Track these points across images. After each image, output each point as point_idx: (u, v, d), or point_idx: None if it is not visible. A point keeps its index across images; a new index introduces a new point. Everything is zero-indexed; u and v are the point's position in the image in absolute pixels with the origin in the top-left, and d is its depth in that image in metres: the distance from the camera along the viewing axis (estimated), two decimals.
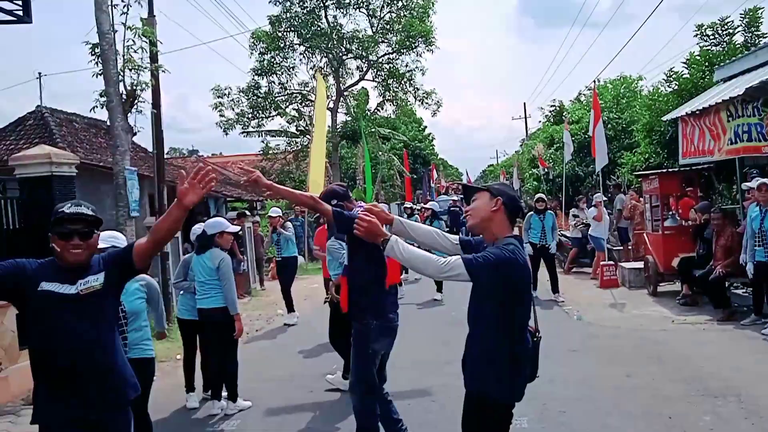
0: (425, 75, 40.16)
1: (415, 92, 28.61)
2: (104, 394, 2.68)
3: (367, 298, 4.05)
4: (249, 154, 34.01)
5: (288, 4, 26.49)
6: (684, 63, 12.39)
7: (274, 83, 28.03)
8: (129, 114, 8.32)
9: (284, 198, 4.32)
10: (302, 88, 28.61)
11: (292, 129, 29.14)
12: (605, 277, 11.32)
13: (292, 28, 26.81)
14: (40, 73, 25.59)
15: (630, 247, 13.14)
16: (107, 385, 2.69)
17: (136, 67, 8.41)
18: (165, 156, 13.05)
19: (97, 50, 8.12)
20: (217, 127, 27.92)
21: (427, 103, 28.69)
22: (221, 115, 27.77)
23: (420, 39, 27.42)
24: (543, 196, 11.06)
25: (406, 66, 28.41)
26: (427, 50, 27.85)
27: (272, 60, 27.20)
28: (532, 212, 10.75)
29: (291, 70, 28.05)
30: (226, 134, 28.19)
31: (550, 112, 25.46)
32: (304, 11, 26.64)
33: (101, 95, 8.37)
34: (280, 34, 26.85)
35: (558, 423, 4.72)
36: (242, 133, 28.64)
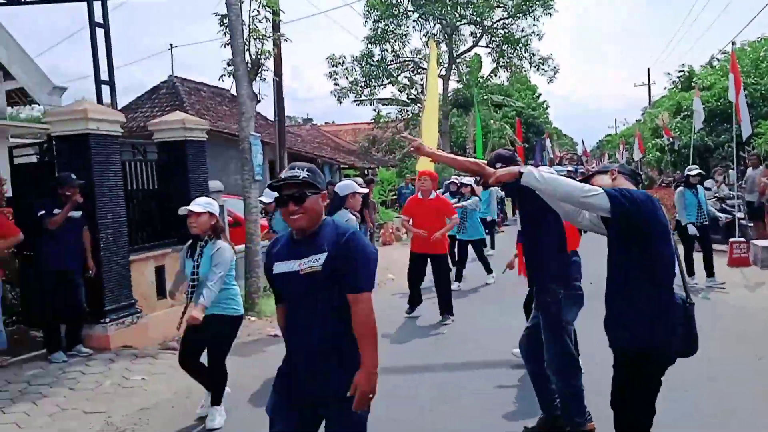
0: (542, 40, 38.58)
1: (530, 58, 27.75)
2: None
3: (550, 267, 3.83)
4: (361, 122, 34.58)
5: None
6: None
7: (387, 51, 28.18)
8: (253, 82, 8.70)
9: (447, 164, 4.32)
10: (414, 56, 28.58)
11: (404, 97, 29.26)
12: (735, 254, 10.57)
13: None
14: (171, 45, 27.26)
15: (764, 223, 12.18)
16: None
17: (261, 37, 8.75)
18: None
19: (225, 21, 8.53)
20: (331, 95, 28.60)
21: (543, 69, 27.80)
22: (335, 84, 28.38)
23: (537, 2, 26.44)
24: (697, 168, 9.42)
25: (522, 31, 27.59)
26: (545, 14, 26.86)
27: (386, 28, 27.29)
28: (683, 187, 9.23)
29: (404, 37, 28.08)
30: (340, 103, 28.83)
31: (678, 78, 23.76)
32: None
33: (228, 64, 8.81)
34: (393, 1, 26.83)
35: (681, 403, 4.54)
36: (355, 101, 29.14)
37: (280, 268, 2.61)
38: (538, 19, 26.92)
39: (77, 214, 6.24)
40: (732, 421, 4.27)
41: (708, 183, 13.11)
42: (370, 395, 2.48)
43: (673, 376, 3.49)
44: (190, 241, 4.61)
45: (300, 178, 2.55)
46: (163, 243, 7.68)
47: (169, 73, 19.00)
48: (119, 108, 10.62)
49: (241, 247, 9.13)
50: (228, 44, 8.61)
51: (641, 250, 2.78)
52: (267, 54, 8.87)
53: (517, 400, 4.80)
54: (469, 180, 10.38)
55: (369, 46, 27.88)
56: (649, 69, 44.34)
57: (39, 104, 18.13)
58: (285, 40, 9.41)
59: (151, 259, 7.44)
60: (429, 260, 7.68)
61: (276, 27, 9.24)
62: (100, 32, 7.16)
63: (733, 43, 15.53)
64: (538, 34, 27.41)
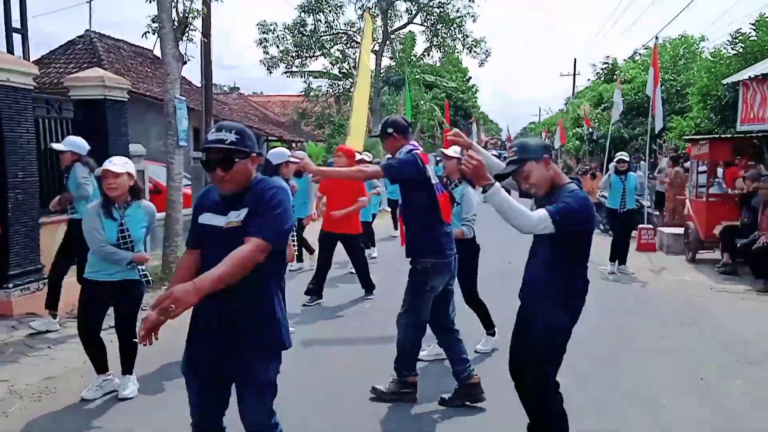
0: (476, 22, 39.00)
1: (464, 39, 27.96)
2: None
3: (426, 237, 4.11)
4: (290, 94, 33.92)
5: None
6: (752, 24, 11.79)
7: (321, 22, 27.69)
8: (180, 42, 8.33)
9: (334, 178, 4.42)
10: (348, 28, 28.22)
11: (335, 71, 28.91)
12: (643, 240, 11.19)
13: None
14: None
15: (665, 213, 12.98)
16: None
17: None
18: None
19: None
20: (260, 65, 27.88)
21: (476, 51, 28.07)
22: (265, 52, 27.66)
23: None
24: (626, 155, 9.70)
25: (458, 11, 27.71)
26: None
27: None
28: (611, 173, 9.49)
29: (339, 9, 27.65)
30: (270, 72, 28.15)
31: (602, 69, 24.66)
32: None
33: (153, 21, 8.39)
34: None
35: (588, 378, 4.76)
36: (285, 72, 28.53)
37: (206, 218, 2.57)
38: (473, 0, 27.13)
39: None
40: (639, 394, 4.52)
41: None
42: (172, 306, 2.18)
43: (580, 352, 3.65)
44: (99, 202, 4.25)
45: (227, 142, 2.45)
46: None
47: (86, 27, 17.76)
48: (31, 61, 9.92)
49: (162, 214, 8.81)
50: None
51: (571, 249, 3.04)
52: (195, 13, 8.50)
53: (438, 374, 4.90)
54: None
55: (302, 14, 27.31)
56: (575, 59, 45.71)
57: None
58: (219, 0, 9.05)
59: (63, 222, 7.04)
60: (340, 241, 7.35)
61: None
62: None
63: (656, 39, 16.23)
64: (472, 16, 27.65)
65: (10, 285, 6.10)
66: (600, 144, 19.89)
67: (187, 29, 8.44)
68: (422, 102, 29.96)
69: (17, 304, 6.13)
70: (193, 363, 2.61)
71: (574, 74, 44.15)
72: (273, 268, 2.58)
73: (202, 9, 8.71)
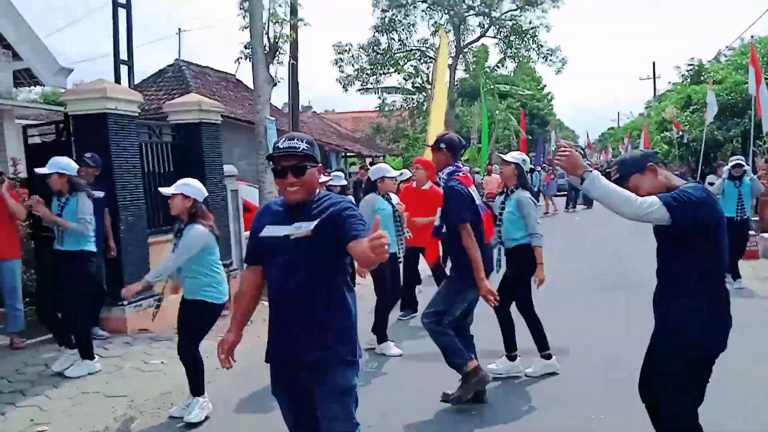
0: (550, 32, 38.38)
1: (538, 49, 27.55)
2: None
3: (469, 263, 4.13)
4: (361, 111, 34.32)
5: None
6: None
7: (394, 40, 28.00)
8: (270, 65, 8.59)
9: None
10: (421, 45, 28.41)
11: (408, 86, 29.11)
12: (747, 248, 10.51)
13: None
14: (180, 29, 27.05)
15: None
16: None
17: (280, 21, 8.63)
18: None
19: (244, 4, 8.40)
20: (328, 83, 28.46)
21: (551, 60, 27.59)
22: (341, 71, 28.19)
23: None
24: (742, 159, 8.90)
25: (530, 23, 27.39)
26: (554, 6, 26.69)
27: (393, 17, 27.11)
28: (724, 178, 8.58)
29: (411, 27, 27.91)
30: (346, 90, 28.68)
31: (688, 71, 23.64)
32: None
33: (246, 47, 8.69)
34: None
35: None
36: (361, 89, 28.96)
37: (269, 231, 2.58)
38: (546, 11, 26.77)
39: (100, 194, 6.14)
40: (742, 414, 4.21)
41: (710, 178, 13.02)
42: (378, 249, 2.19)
43: None
44: (179, 225, 4.42)
45: (300, 150, 2.50)
46: None
47: (175, 57, 18.69)
48: None
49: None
50: (246, 27, 8.49)
51: (700, 251, 2.76)
52: (285, 38, 8.76)
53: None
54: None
55: (376, 34, 27.71)
56: (654, 63, 44.25)
57: (43, 85, 17.96)
58: (304, 24, 9.30)
59: (169, 242, 7.33)
60: (421, 255, 7.26)
61: (294, 11, 9.13)
62: (121, 11, 7.03)
63: (741, 39, 15.43)
64: (546, 26, 27.26)
65: (125, 302, 6.40)
66: (691, 147, 19.01)
67: (278, 53, 8.71)
68: (497, 112, 29.65)
69: (131, 321, 6.42)
70: (280, 379, 2.64)
71: (654, 77, 42.86)
72: (346, 275, 2.62)
73: (291, 34, 8.94)
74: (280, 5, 8.63)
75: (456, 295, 4.29)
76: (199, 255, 4.27)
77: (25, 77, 16.10)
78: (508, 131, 32.81)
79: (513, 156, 5.02)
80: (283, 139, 2.58)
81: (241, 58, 8.88)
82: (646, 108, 43.12)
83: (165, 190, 4.42)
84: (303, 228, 2.50)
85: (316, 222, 2.49)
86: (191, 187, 4.36)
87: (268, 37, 8.53)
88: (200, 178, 7.83)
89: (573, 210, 21.04)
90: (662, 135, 22.71)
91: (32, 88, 19.25)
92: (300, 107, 33.41)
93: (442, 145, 4.31)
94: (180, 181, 4.42)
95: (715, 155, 18.08)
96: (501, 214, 4.99)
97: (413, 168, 7.57)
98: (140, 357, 5.71)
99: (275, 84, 8.79)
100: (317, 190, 2.61)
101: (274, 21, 8.54)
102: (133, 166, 6.80)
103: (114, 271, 6.41)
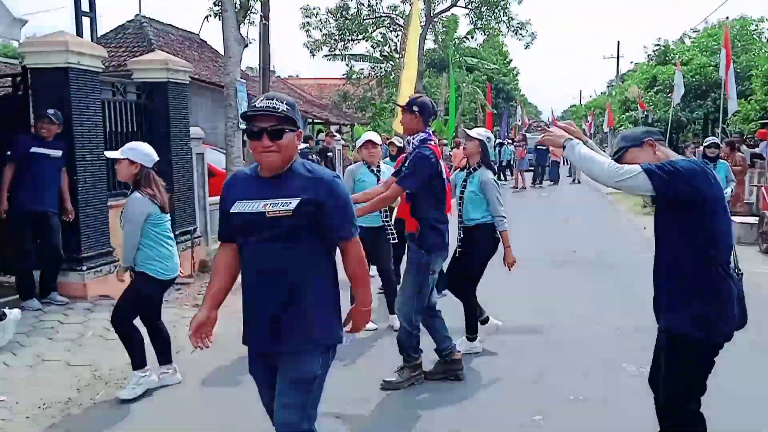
0: (521, 4, 38.22)
1: (508, 22, 27.35)
2: None
3: (434, 233, 4.11)
4: (326, 77, 33.67)
5: None
6: None
7: (363, 5, 27.42)
8: (241, 25, 8.24)
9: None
10: (391, 12, 27.91)
11: (376, 54, 28.65)
12: None
13: None
14: None
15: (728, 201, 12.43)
16: None
17: None
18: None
19: None
20: (304, 47, 27.75)
21: (521, 34, 27.46)
22: (309, 36, 27.54)
23: None
24: (716, 139, 8.74)
25: None
26: None
27: None
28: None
29: None
30: (313, 56, 28.11)
31: (654, 51, 23.90)
32: None
33: (215, 4, 8.31)
34: None
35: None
36: (328, 55, 28.37)
37: (240, 207, 2.38)
38: None
39: (57, 153, 5.82)
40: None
41: None
42: (360, 329, 2.61)
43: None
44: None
45: (279, 110, 2.30)
46: None
47: (135, 12, 17.91)
48: None
49: (216, 198, 8.81)
50: None
51: (694, 226, 2.61)
52: None
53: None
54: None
55: None
56: (618, 42, 44.78)
57: None
58: None
59: None
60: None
61: None
62: None
63: (727, 18, 15.64)
64: None
65: (84, 267, 6.12)
66: (656, 128, 19.29)
67: (249, 12, 8.36)
68: (464, 84, 29.51)
69: (90, 286, 6.15)
70: (256, 361, 2.55)
71: (618, 57, 43.42)
72: (330, 261, 2.50)
73: None
74: None
75: (423, 278, 4.13)
76: (143, 226, 3.98)
77: None
78: (474, 104, 32.83)
79: (478, 132, 4.89)
80: (262, 98, 2.37)
81: (210, 15, 8.47)
82: (608, 87, 43.64)
83: (110, 154, 4.11)
84: (280, 205, 2.30)
85: (297, 200, 2.30)
86: (137, 151, 4.02)
87: None
88: (165, 139, 7.59)
89: (540, 186, 21.26)
90: (627, 114, 23.02)
91: None
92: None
93: (415, 108, 4.06)
94: (127, 145, 4.10)
95: (677, 136, 18.42)
96: (462, 192, 4.86)
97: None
98: (103, 324, 5.47)
99: (246, 45, 8.46)
100: (294, 159, 2.40)
101: None
102: (94, 124, 6.43)
103: (71, 235, 6.11)
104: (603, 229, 11.63)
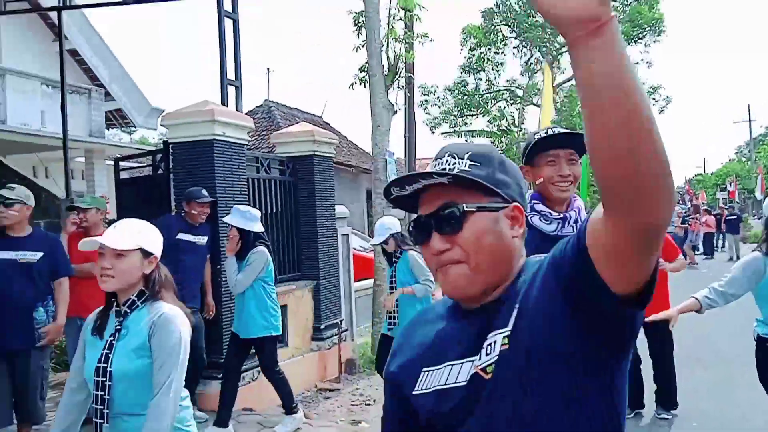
0: (651, 68, 36.60)
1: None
2: None
3: None
4: None
5: None
6: None
7: (482, 80, 26.88)
8: (390, 90, 7.39)
9: None
10: (509, 84, 27.17)
11: (494, 129, 27.82)
12: None
13: (506, 22, 25.44)
14: (268, 69, 26.94)
15: None
16: None
17: (399, 38, 7.46)
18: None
19: (361, 18, 7.29)
20: (423, 125, 27.39)
21: (653, 99, 25.65)
22: (427, 113, 27.26)
23: (647, 28, 24.58)
24: None
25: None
26: (655, 41, 24.95)
27: (482, 55, 26.04)
28: None
29: (499, 66, 26.72)
30: (432, 132, 27.78)
31: None
32: (518, 2, 25.14)
33: (361, 69, 7.55)
34: (492, 28, 25.66)
35: None
36: (445, 133, 27.86)
37: (428, 381, 1.16)
38: (648, 46, 24.98)
39: (203, 239, 4.96)
40: None
41: None
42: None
43: None
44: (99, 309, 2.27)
45: (454, 171, 1.12)
46: (289, 276, 6.35)
47: (264, 97, 18.24)
48: None
49: (368, 282, 7.78)
50: (362, 46, 7.36)
51: None
52: (405, 57, 7.57)
53: None
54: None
55: (462, 74, 26.66)
56: (749, 105, 42.95)
57: (134, 128, 17.63)
58: (430, 40, 8.05)
59: (287, 293, 6.08)
60: None
61: (408, 27, 7.94)
62: (228, 23, 5.99)
63: None
64: (648, 62, 25.42)
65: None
66: None
67: (398, 76, 7.51)
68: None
69: None
70: None
71: (750, 120, 41.53)
72: None
73: (410, 53, 7.75)
74: (400, 19, 7.44)
75: None
76: None
77: (116, 118, 15.72)
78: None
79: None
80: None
81: (355, 82, 7.69)
82: (736, 153, 40.55)
83: (101, 242, 2.20)
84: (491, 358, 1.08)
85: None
86: (144, 234, 2.35)
87: (387, 57, 7.35)
88: (311, 218, 6.70)
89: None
90: None
91: (121, 138, 19.10)
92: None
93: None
94: (126, 226, 2.34)
95: None
96: None
97: None
98: None
99: (395, 112, 7.56)
100: (516, 265, 1.15)
101: (393, 38, 7.37)
102: (240, 203, 5.60)
103: (212, 337, 5.15)
104: None
